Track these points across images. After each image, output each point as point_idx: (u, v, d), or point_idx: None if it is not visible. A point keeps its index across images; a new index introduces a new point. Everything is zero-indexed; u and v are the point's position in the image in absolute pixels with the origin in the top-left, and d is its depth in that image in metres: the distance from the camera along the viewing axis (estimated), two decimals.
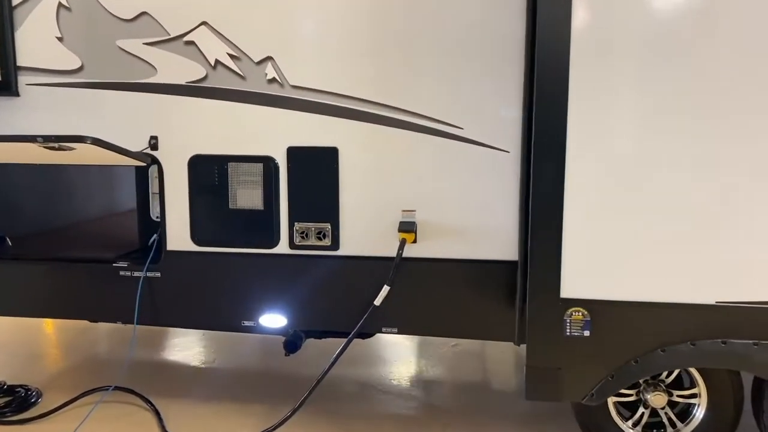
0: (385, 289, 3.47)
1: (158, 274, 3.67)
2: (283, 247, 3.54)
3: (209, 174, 3.51)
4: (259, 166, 3.46)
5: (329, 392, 4.20)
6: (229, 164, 3.48)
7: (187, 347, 5.14)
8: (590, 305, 2.85)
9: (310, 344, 4.02)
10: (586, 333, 2.87)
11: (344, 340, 3.49)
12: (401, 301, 3.45)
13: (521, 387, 3.85)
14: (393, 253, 3.37)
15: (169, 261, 3.66)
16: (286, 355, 3.95)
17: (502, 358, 4.95)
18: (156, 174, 3.59)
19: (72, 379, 4.41)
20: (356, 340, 3.48)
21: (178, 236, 3.62)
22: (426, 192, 3.38)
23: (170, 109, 3.50)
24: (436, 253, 3.43)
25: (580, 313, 2.86)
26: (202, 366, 4.78)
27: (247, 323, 3.69)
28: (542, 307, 2.86)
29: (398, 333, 3.70)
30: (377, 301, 3.50)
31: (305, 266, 3.53)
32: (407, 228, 3.37)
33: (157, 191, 3.58)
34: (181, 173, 3.57)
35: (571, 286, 2.84)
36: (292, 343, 4.02)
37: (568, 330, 2.88)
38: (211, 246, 3.59)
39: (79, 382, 4.28)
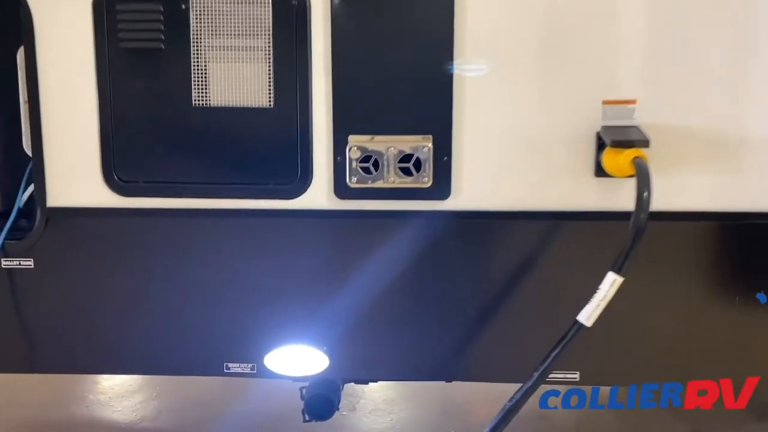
0: (613, 280, 1.55)
1: (29, 263, 2.08)
2: (319, 195, 1.96)
3: (145, 25, 1.94)
4: (264, 2, 1.92)
5: None
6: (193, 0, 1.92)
7: (122, 391, 3.81)
8: None
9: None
10: None
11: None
12: None
13: None
14: (585, 202, 1.86)
15: (53, 231, 2.07)
16: (305, 420, 2.28)
17: None
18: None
19: None
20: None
21: (74, 173, 2.00)
22: (659, 60, 1.84)
23: None
24: (678, 200, 1.84)
25: None
26: (142, 425, 3.52)
27: (235, 367, 2.04)
28: None
29: (581, 383, 1.90)
30: (586, 317, 1.56)
31: (373, 236, 1.97)
32: (625, 137, 1.76)
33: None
34: (76, 26, 1.93)
35: None
36: (323, 399, 2.21)
37: None
38: (152, 194, 2.02)
39: None
